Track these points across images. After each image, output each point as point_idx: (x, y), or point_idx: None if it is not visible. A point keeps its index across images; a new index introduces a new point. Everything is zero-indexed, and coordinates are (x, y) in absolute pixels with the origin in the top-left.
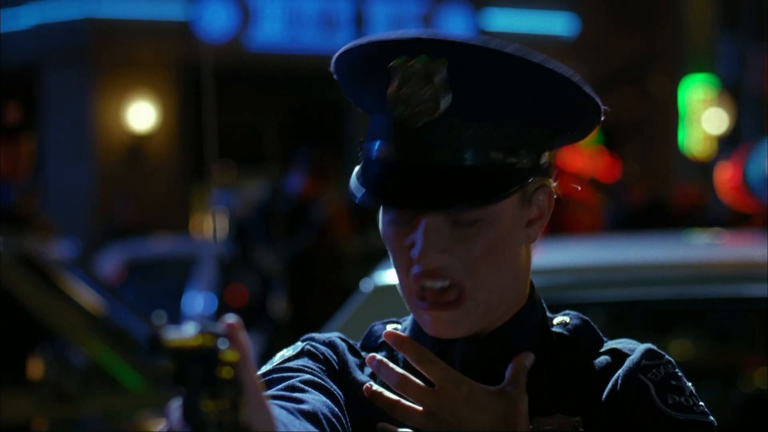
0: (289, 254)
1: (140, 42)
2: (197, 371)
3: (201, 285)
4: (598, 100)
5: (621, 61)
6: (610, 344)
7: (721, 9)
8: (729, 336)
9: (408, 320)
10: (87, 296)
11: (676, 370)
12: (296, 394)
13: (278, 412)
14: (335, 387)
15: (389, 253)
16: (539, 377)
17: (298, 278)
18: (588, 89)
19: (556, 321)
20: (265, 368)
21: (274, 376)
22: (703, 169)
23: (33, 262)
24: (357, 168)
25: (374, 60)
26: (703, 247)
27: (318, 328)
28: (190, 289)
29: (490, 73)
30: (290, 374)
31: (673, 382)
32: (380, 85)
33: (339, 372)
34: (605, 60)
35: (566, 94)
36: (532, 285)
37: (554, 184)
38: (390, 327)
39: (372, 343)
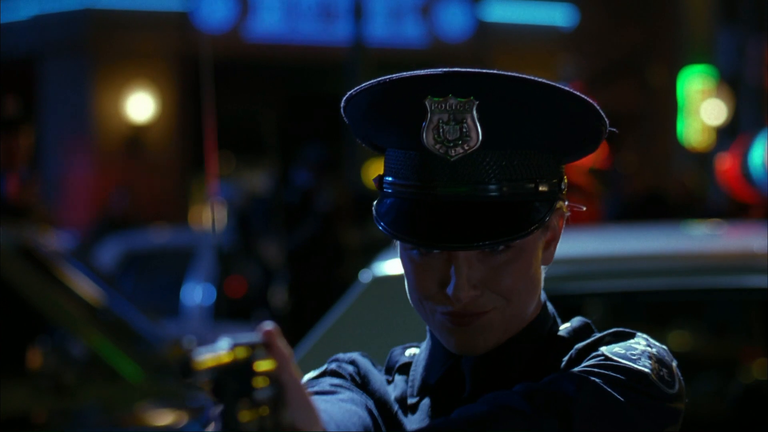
0: (291, 245)
1: (139, 33)
2: (233, 385)
3: (200, 276)
4: (607, 121)
5: (620, 52)
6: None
7: (720, 0)
8: (727, 327)
9: (424, 343)
10: (86, 287)
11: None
12: (331, 388)
13: (324, 405)
14: (363, 394)
15: (408, 281)
16: (536, 380)
17: (298, 269)
18: (601, 111)
19: (562, 327)
20: None
21: None
22: (702, 160)
23: (32, 254)
24: (378, 203)
25: (403, 96)
26: (701, 238)
27: (317, 319)
28: (188, 281)
29: (519, 106)
30: (318, 384)
31: (627, 343)
32: (408, 121)
33: (362, 386)
34: (604, 51)
35: (586, 118)
36: (545, 300)
37: (565, 204)
38: (409, 351)
39: (392, 366)
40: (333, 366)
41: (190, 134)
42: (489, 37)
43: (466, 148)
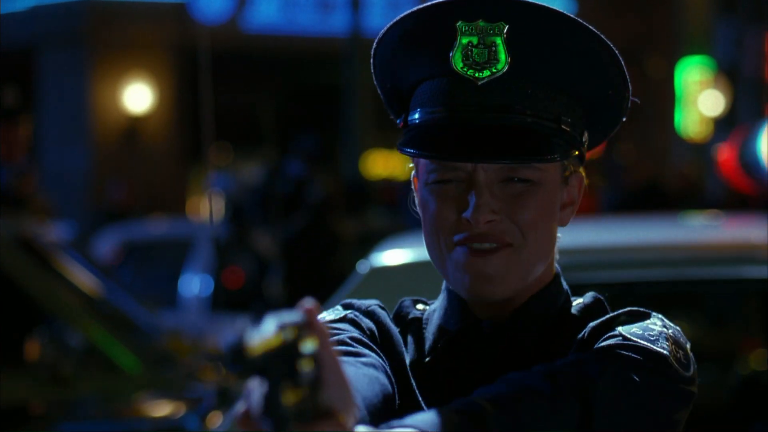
0: (285, 235)
1: (137, 24)
2: (280, 367)
3: (197, 267)
4: (630, 87)
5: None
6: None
7: None
8: (726, 318)
9: (437, 301)
10: (84, 278)
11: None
12: (352, 349)
13: (348, 371)
14: (380, 352)
15: (426, 218)
16: (550, 358)
17: (294, 260)
18: (626, 71)
19: (575, 303)
20: None
21: None
22: (700, 151)
23: (30, 244)
24: (402, 137)
25: (434, 22)
26: (700, 229)
27: None
28: (186, 271)
29: (547, 37)
30: (337, 331)
31: (644, 323)
32: (438, 47)
33: (380, 342)
34: None
35: (611, 69)
36: (557, 269)
37: (582, 171)
38: (420, 306)
39: (402, 318)
40: (351, 314)
41: (188, 125)
42: None
43: (494, 71)
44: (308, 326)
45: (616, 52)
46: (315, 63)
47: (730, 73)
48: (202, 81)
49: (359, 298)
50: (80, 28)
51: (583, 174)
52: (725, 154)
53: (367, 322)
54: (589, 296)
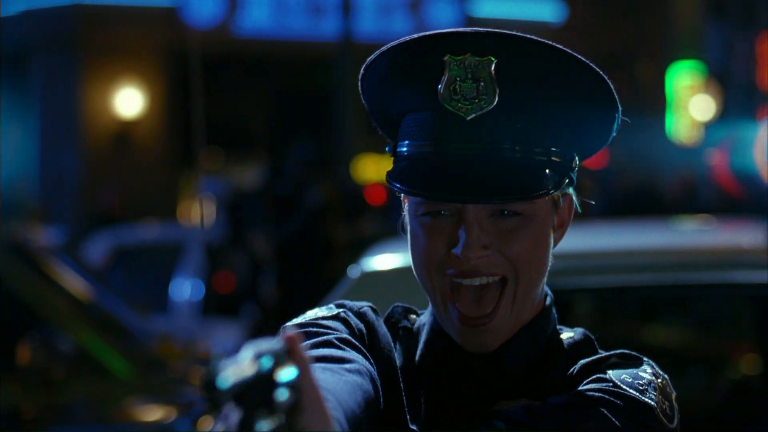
0: (280, 238)
1: (128, 28)
2: (253, 396)
3: (188, 271)
4: (620, 107)
5: (608, 48)
6: (603, 354)
7: None
8: (717, 322)
9: (426, 314)
10: (74, 283)
11: (648, 372)
12: (337, 352)
13: (329, 379)
14: (368, 355)
15: (416, 250)
16: (531, 389)
17: (287, 264)
18: (615, 92)
19: (564, 336)
20: (297, 320)
21: (310, 329)
22: (691, 155)
23: (21, 249)
24: (391, 169)
25: (422, 55)
26: (690, 233)
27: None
28: (177, 276)
29: (536, 70)
30: (326, 330)
31: (634, 370)
32: (426, 80)
33: (369, 344)
34: (593, 46)
35: (600, 93)
36: (549, 295)
37: (574, 194)
38: (411, 317)
39: (393, 325)
40: (343, 314)
41: (179, 130)
42: None
43: (483, 106)
44: (289, 354)
45: (605, 76)
46: (306, 67)
47: (720, 78)
48: (193, 86)
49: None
50: (72, 32)
51: (573, 196)
52: (716, 158)
53: (357, 323)
54: (579, 332)
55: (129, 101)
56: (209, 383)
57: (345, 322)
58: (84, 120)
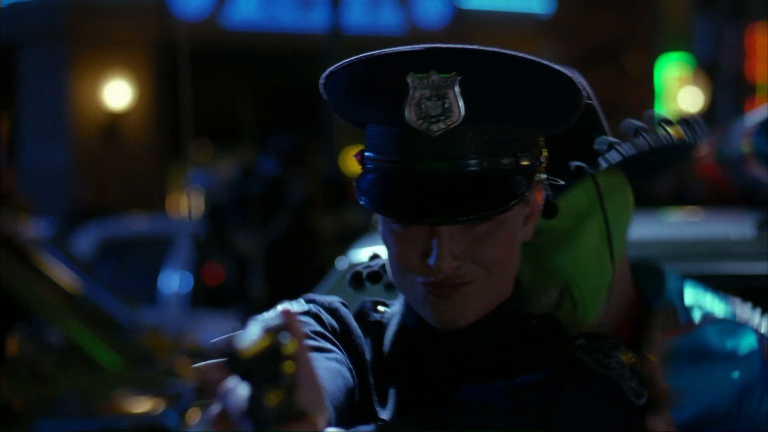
0: (269, 238)
1: (116, 20)
2: (265, 370)
3: (177, 264)
4: (585, 93)
5: (597, 40)
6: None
7: None
8: None
9: (397, 305)
10: (63, 275)
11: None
12: (314, 343)
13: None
14: (342, 348)
15: (389, 254)
16: (501, 370)
17: (275, 258)
18: (581, 84)
19: (533, 320)
20: None
21: None
22: None
23: (9, 241)
24: (360, 178)
25: (385, 73)
26: (678, 225)
27: None
28: (166, 268)
29: (501, 81)
30: (303, 325)
31: (603, 349)
32: (390, 97)
33: (340, 339)
34: (581, 38)
35: (565, 91)
36: (519, 281)
37: (543, 177)
38: (380, 308)
39: (363, 318)
40: (314, 309)
41: (167, 122)
42: (466, 25)
43: (448, 123)
44: (287, 329)
45: (568, 74)
46: (295, 60)
47: (709, 70)
48: (181, 78)
49: (338, 294)
50: (60, 24)
51: (543, 178)
52: (704, 150)
53: (328, 318)
54: (546, 315)
55: (117, 93)
56: (234, 359)
57: (316, 317)
58: (72, 112)
